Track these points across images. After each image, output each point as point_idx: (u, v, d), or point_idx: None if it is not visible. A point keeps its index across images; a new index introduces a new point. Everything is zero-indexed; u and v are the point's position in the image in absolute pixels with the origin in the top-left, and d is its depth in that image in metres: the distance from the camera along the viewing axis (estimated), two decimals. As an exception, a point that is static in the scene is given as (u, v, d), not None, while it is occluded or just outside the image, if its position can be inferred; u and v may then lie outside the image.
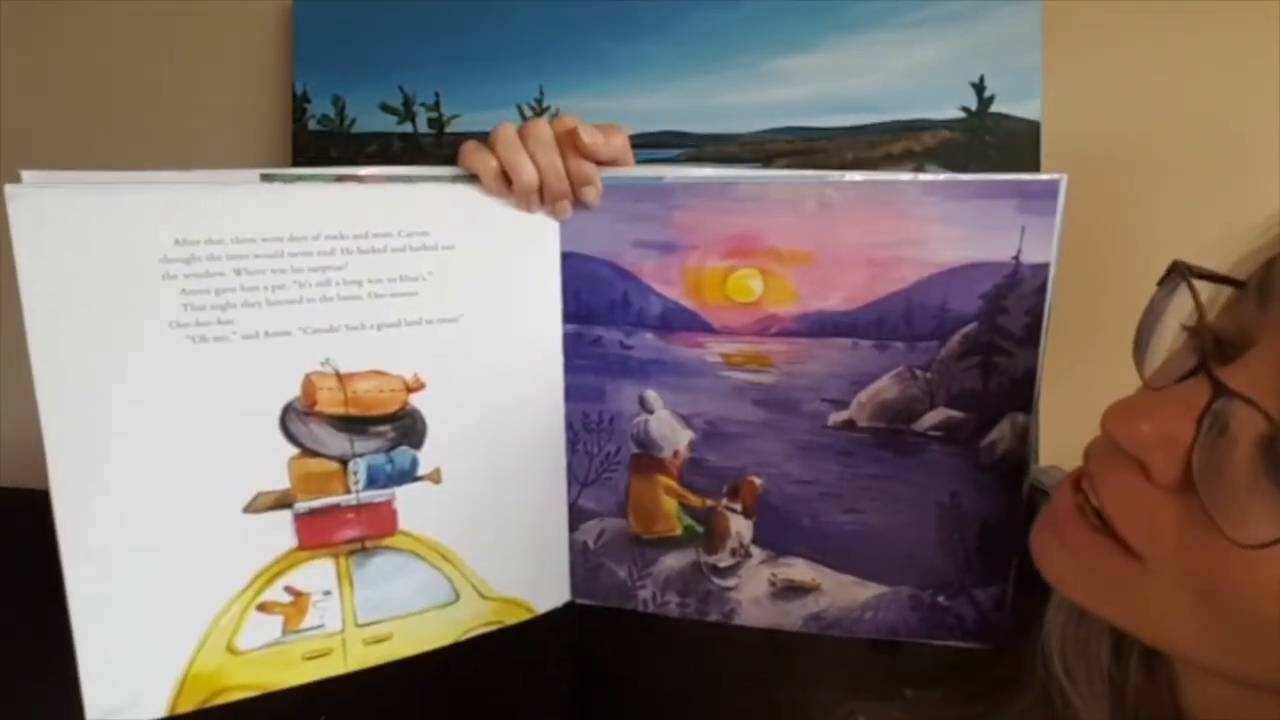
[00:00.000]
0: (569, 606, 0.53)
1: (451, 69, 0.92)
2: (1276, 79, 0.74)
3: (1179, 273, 0.34)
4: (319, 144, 0.97)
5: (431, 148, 0.94)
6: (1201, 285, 0.33)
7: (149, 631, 0.43)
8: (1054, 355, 0.45)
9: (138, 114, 1.04)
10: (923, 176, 0.44)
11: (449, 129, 0.93)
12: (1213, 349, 0.31)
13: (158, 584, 0.43)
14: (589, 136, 0.44)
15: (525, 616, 0.52)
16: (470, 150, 0.46)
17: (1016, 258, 0.43)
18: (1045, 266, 0.43)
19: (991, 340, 0.44)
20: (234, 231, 0.41)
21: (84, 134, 1.05)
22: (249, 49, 1.01)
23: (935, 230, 0.44)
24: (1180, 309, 0.34)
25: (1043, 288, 0.43)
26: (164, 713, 0.44)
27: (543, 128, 0.45)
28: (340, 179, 0.44)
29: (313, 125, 0.97)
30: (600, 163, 0.46)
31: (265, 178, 0.42)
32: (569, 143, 0.45)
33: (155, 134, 1.04)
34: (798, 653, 0.53)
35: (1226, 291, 0.34)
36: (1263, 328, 0.31)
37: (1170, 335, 0.36)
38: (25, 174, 0.38)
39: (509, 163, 0.45)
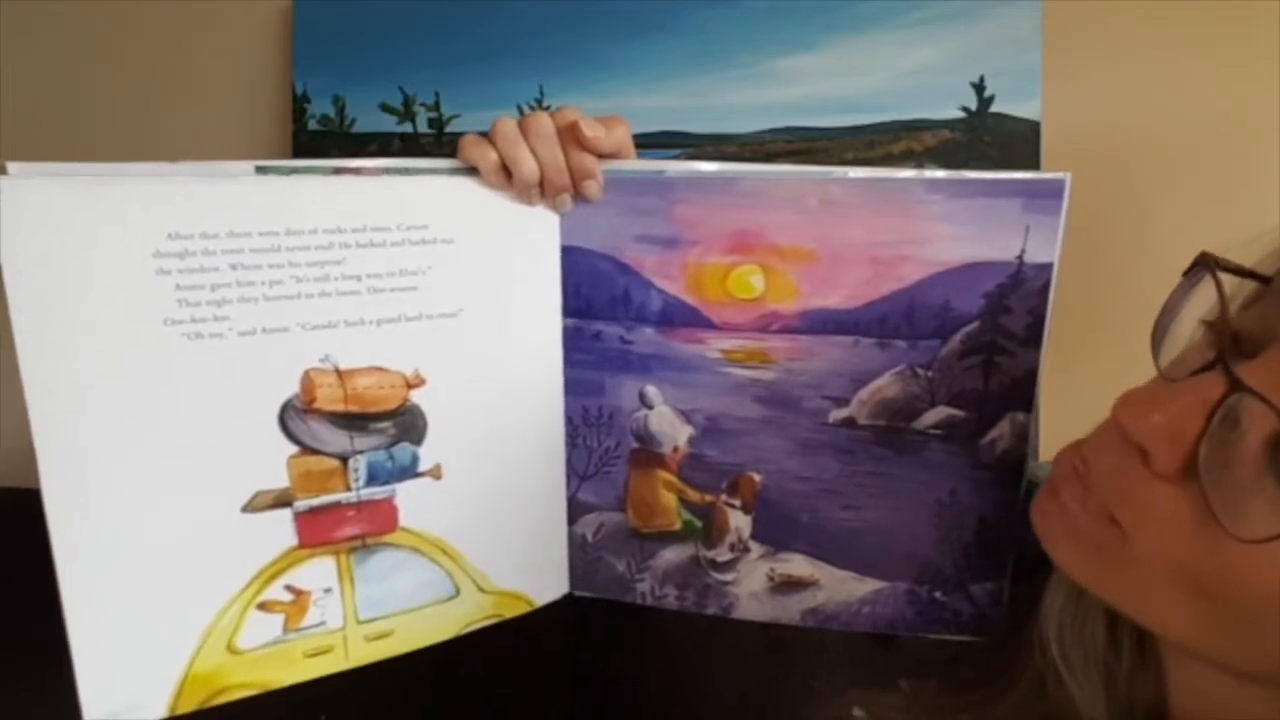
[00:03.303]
0: (567, 598, 0.53)
1: (451, 69, 0.92)
2: (1276, 79, 0.74)
3: (1205, 264, 0.33)
4: (319, 144, 0.97)
5: (432, 148, 0.94)
6: (1226, 280, 0.33)
7: (147, 633, 0.42)
8: (1053, 353, 0.44)
9: (138, 114, 1.04)
10: (927, 174, 0.44)
11: (449, 129, 0.93)
12: (1231, 344, 0.31)
13: (156, 585, 0.42)
14: (590, 129, 0.44)
15: (525, 609, 0.51)
16: (470, 143, 0.45)
17: (1020, 257, 0.43)
18: (1049, 266, 0.42)
19: (993, 340, 0.44)
20: (229, 225, 0.40)
21: (85, 134, 1.05)
22: (249, 49, 1.00)
23: (939, 229, 0.43)
24: (1200, 302, 0.34)
25: (1046, 287, 0.43)
26: (164, 714, 0.43)
27: (543, 120, 0.44)
28: (337, 171, 0.43)
29: (313, 125, 0.97)
30: (601, 155, 0.45)
31: (260, 169, 0.42)
32: (570, 136, 0.44)
33: (155, 134, 1.04)
34: (794, 645, 0.52)
35: (1248, 287, 0.34)
36: None
37: (1186, 326, 0.36)
38: (11, 165, 0.37)
39: (509, 156, 0.44)
